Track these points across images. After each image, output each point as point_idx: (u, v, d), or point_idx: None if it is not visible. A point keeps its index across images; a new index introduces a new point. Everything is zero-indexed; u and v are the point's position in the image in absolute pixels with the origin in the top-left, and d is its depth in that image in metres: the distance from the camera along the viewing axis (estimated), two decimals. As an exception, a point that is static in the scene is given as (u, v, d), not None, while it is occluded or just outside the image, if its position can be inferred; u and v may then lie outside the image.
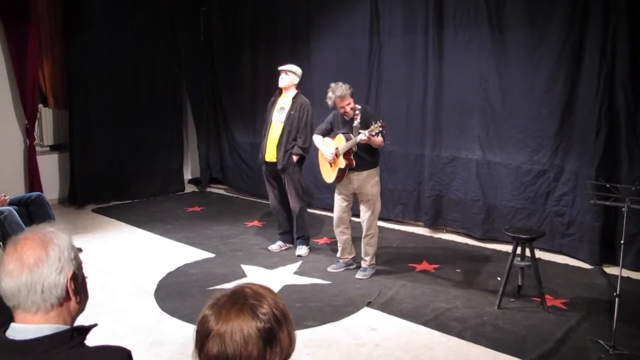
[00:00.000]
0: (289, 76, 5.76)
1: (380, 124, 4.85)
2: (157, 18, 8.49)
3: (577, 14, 5.44)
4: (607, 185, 3.88)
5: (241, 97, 8.62)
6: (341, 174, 5.18)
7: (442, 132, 6.48)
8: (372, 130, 4.84)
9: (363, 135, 4.86)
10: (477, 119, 6.22)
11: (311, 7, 7.58)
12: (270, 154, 5.76)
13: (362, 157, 5.12)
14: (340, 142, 5.17)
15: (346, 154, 5.10)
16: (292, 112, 5.68)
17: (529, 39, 5.76)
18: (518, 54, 5.86)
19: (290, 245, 6.02)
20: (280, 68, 5.83)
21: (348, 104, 5.10)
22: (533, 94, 5.80)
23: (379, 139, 5.00)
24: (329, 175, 5.34)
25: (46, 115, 8.03)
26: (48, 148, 8.14)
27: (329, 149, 5.24)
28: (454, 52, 6.30)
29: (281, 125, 5.71)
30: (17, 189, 7.20)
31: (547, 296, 4.59)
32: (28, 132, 7.60)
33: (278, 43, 7.95)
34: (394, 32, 6.76)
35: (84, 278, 1.62)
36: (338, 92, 5.06)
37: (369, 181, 5.16)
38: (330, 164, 5.25)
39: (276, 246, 6.02)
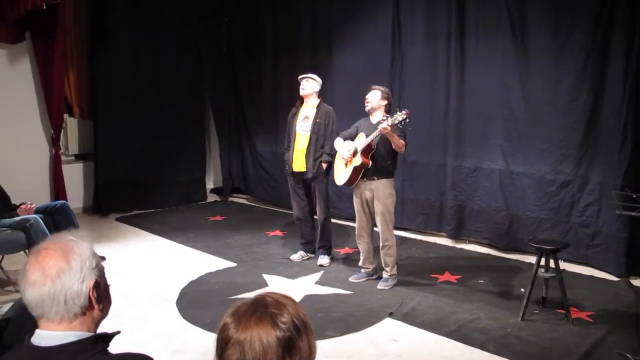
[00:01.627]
0: (310, 83, 5.78)
1: (405, 112, 4.73)
2: (180, 29, 8.58)
3: (601, 22, 5.38)
4: (634, 196, 3.81)
5: (263, 106, 8.67)
6: (355, 174, 5.09)
7: (465, 142, 6.44)
8: (395, 119, 4.74)
9: (385, 124, 4.73)
10: (499, 128, 6.17)
11: (333, 17, 7.60)
12: (298, 164, 5.77)
13: (379, 163, 5.06)
14: (360, 140, 5.13)
15: (364, 152, 5.03)
16: (318, 120, 5.69)
17: (552, 48, 5.70)
18: (541, 63, 5.80)
19: (312, 255, 6.01)
20: (300, 77, 5.85)
21: (371, 95, 5.15)
22: (557, 103, 5.74)
23: (401, 141, 4.95)
24: (341, 175, 5.26)
25: (71, 125, 8.16)
26: (73, 157, 8.26)
27: (347, 148, 5.21)
28: (476, 61, 6.27)
29: (307, 135, 5.72)
30: (43, 197, 7.31)
31: (572, 308, 4.51)
32: (54, 142, 7.72)
33: (299, 53, 7.99)
34: (416, 42, 6.76)
35: (106, 285, 1.63)
36: (378, 84, 5.26)
37: (381, 192, 5.10)
38: (346, 164, 5.21)
39: (298, 256, 6.02)
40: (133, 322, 4.50)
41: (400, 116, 4.74)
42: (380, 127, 4.79)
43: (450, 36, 6.40)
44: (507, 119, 6.10)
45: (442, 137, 6.61)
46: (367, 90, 5.26)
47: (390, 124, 4.73)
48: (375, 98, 5.15)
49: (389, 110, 5.20)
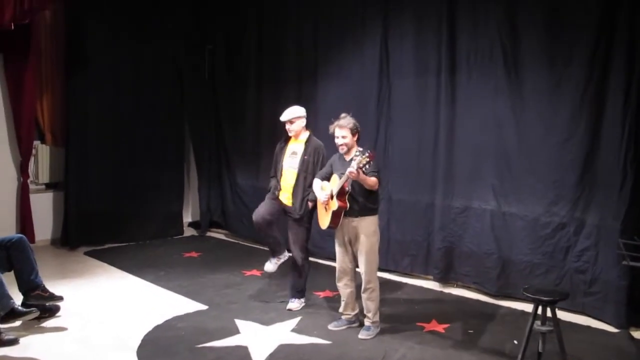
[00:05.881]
0: (295, 124, 5.39)
1: (368, 155, 4.40)
2: (161, 55, 8.29)
3: (598, 56, 5.12)
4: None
5: (245, 138, 8.35)
6: (336, 218, 4.76)
7: (454, 180, 6.12)
8: (360, 162, 4.42)
9: (352, 168, 4.43)
10: (491, 166, 5.86)
11: (318, 48, 7.34)
12: (285, 197, 5.39)
13: (358, 202, 4.72)
14: (335, 183, 4.81)
15: (340, 196, 4.70)
16: (305, 157, 5.32)
17: (547, 82, 5.44)
18: (535, 97, 5.53)
19: (286, 258, 5.51)
20: (282, 119, 5.41)
21: (343, 137, 4.78)
22: (552, 140, 5.44)
23: (372, 179, 4.61)
24: (323, 220, 4.93)
25: (43, 152, 7.80)
26: (43, 186, 7.90)
27: (325, 192, 4.87)
28: (467, 95, 5.99)
29: (294, 172, 5.34)
30: (8, 228, 6.96)
31: (571, 365, 4.13)
32: (22, 169, 7.34)
33: (284, 84, 7.69)
34: (404, 74, 6.47)
35: None
36: (341, 120, 4.85)
37: (365, 230, 4.75)
38: (325, 208, 4.88)
39: (272, 265, 5.50)
40: (86, 372, 4.06)
41: (364, 159, 4.41)
42: (347, 172, 4.50)
43: (440, 69, 6.12)
44: (500, 156, 5.79)
45: (431, 175, 6.28)
46: (331, 125, 4.87)
47: (355, 168, 4.42)
48: (349, 138, 4.81)
49: (359, 138, 4.90)
